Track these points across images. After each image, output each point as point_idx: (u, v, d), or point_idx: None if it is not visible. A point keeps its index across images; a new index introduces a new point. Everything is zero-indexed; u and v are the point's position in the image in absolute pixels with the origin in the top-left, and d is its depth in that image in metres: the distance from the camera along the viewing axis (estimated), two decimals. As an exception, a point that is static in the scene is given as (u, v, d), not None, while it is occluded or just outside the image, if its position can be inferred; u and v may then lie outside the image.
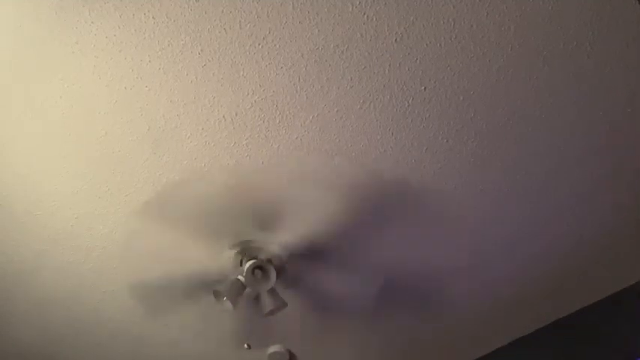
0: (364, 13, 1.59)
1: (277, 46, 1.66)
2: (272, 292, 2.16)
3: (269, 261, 2.17)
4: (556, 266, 2.51)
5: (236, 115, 1.83)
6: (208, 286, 2.28)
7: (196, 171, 1.98)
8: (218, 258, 2.28)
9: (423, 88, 1.79)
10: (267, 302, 2.16)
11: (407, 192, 2.11)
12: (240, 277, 2.08)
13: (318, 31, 1.63)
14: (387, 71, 1.73)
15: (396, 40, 1.66)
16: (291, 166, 1.98)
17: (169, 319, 2.65)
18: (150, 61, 1.67)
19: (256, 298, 2.20)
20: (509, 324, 2.88)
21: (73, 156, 1.93)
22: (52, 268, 2.33)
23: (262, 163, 1.97)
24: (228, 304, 2.05)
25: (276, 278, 2.14)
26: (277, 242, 2.23)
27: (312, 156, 1.95)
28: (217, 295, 2.04)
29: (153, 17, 1.57)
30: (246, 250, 2.22)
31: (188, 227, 2.16)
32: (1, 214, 2.09)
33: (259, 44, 1.65)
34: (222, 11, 1.57)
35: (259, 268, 2.11)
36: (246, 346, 2.85)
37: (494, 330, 2.91)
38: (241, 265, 2.19)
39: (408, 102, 1.83)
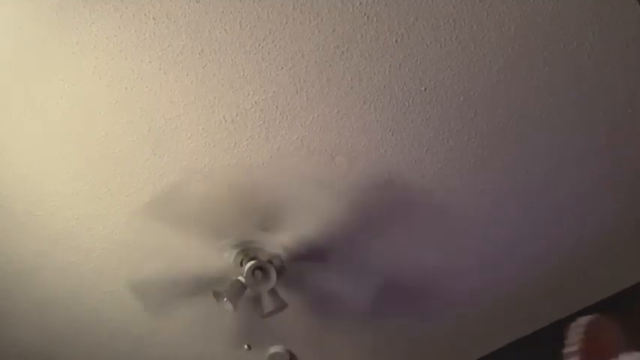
0: (364, 14, 1.59)
1: (277, 46, 1.66)
2: (272, 292, 2.16)
3: (269, 262, 2.17)
4: (556, 266, 2.51)
5: (236, 115, 1.83)
6: (208, 286, 2.28)
7: (197, 171, 1.98)
8: (219, 258, 2.28)
9: (423, 88, 1.79)
10: (268, 303, 2.16)
11: (407, 193, 2.11)
12: (240, 278, 2.08)
13: (319, 31, 1.63)
14: (387, 72, 1.74)
15: (396, 40, 1.66)
16: (291, 166, 1.98)
17: (169, 319, 2.65)
18: (150, 62, 1.67)
19: (256, 299, 2.20)
20: (509, 324, 2.88)
21: (73, 156, 1.93)
22: (52, 269, 2.33)
23: (262, 163, 1.97)
24: (228, 305, 2.05)
25: (277, 279, 2.14)
26: (278, 243, 2.23)
27: (312, 156, 1.95)
28: (218, 295, 2.05)
29: (153, 18, 1.57)
30: (246, 251, 2.22)
31: (189, 227, 2.15)
32: (1, 214, 2.09)
33: (260, 45, 1.65)
34: (223, 12, 1.57)
35: (260, 268, 2.11)
36: (246, 346, 2.85)
37: (494, 330, 2.91)
38: (242, 265, 2.19)
39: (409, 102, 1.83)
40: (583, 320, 1.29)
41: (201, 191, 2.04)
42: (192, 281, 2.34)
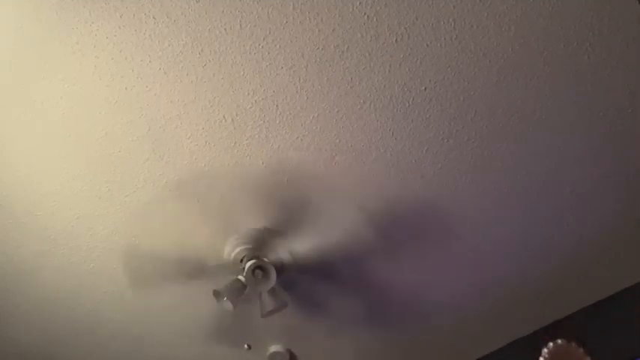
0: (364, 14, 1.59)
1: (278, 46, 1.66)
2: (272, 292, 2.15)
3: (270, 261, 2.17)
4: (556, 266, 2.51)
5: (236, 115, 1.83)
6: (201, 273, 2.27)
7: (197, 171, 1.98)
8: (220, 250, 2.27)
9: (423, 88, 1.79)
10: (268, 302, 2.16)
11: (407, 193, 2.11)
12: (240, 277, 2.08)
13: (319, 31, 1.63)
14: (387, 71, 1.74)
15: (396, 40, 1.66)
16: (291, 166, 1.98)
17: (170, 319, 2.65)
18: (150, 62, 1.67)
19: (257, 299, 2.19)
20: (509, 324, 2.88)
21: (73, 156, 1.93)
22: (53, 269, 2.33)
23: (262, 163, 1.97)
24: (228, 304, 2.05)
25: (277, 278, 2.13)
26: (285, 246, 2.23)
27: (312, 156, 1.95)
28: (218, 295, 2.04)
29: (153, 17, 1.57)
30: (251, 249, 2.21)
31: (204, 212, 2.14)
32: (1, 214, 2.09)
33: (259, 44, 1.65)
34: (223, 12, 1.57)
35: (260, 268, 2.11)
36: (246, 346, 2.85)
37: (494, 330, 2.91)
38: (242, 262, 2.18)
39: (409, 102, 1.83)
40: (550, 345, 1.37)
41: (228, 182, 2.03)
42: (185, 263, 2.30)
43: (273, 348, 2.88)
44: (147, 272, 2.41)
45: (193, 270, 2.32)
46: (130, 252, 2.32)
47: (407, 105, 1.83)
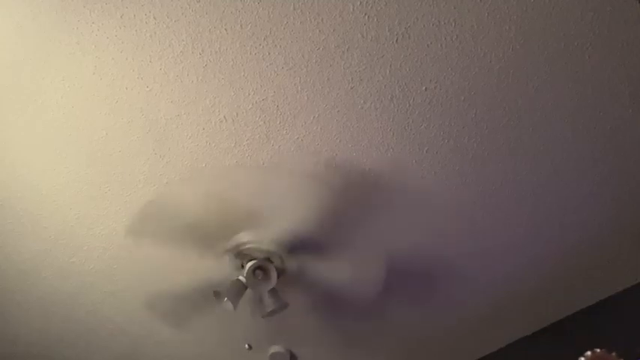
0: (365, 14, 1.59)
1: (278, 46, 1.66)
2: (273, 292, 2.15)
3: (269, 261, 2.17)
4: (556, 267, 2.51)
5: (237, 115, 1.83)
6: (217, 296, 2.28)
7: (197, 171, 1.98)
8: (218, 265, 2.28)
9: (423, 88, 1.79)
10: (268, 303, 2.16)
11: (407, 193, 2.11)
12: (241, 278, 2.08)
13: (319, 31, 1.63)
14: (387, 72, 1.74)
15: (396, 40, 1.66)
16: (291, 166, 1.98)
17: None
18: (151, 62, 1.67)
19: (257, 299, 2.19)
20: (509, 324, 2.88)
21: (73, 156, 1.93)
22: (53, 269, 2.33)
23: (263, 163, 1.97)
24: (228, 305, 2.05)
25: (277, 278, 2.13)
26: (269, 239, 2.22)
27: (313, 156, 1.95)
28: (218, 295, 2.04)
29: (154, 17, 1.57)
30: (242, 253, 2.22)
31: (179, 241, 2.16)
32: (1, 214, 2.09)
33: (260, 45, 1.65)
34: (223, 12, 1.57)
35: (260, 268, 2.11)
36: (247, 346, 2.85)
37: (494, 330, 2.91)
38: (242, 267, 2.18)
39: (409, 102, 1.83)
40: (588, 354, 1.36)
41: (179, 204, 2.05)
42: (201, 292, 2.34)
43: (274, 348, 2.89)
44: (173, 310, 2.50)
45: (207, 294, 2.34)
46: (151, 301, 2.40)
47: (407, 105, 1.83)
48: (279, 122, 1.86)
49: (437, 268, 2.48)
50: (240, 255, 2.22)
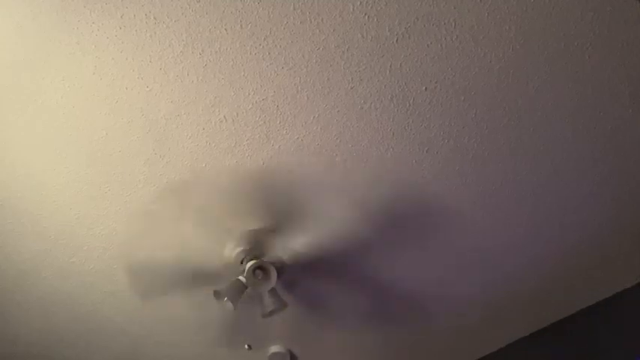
0: (365, 14, 1.59)
1: (278, 46, 1.66)
2: (273, 292, 2.15)
3: (271, 262, 2.17)
4: (556, 267, 2.51)
5: (237, 115, 1.83)
6: (205, 279, 2.27)
7: (197, 171, 1.98)
8: (220, 253, 2.27)
9: (424, 88, 1.79)
10: (268, 303, 2.16)
11: (407, 193, 2.11)
12: (241, 278, 2.08)
13: (319, 31, 1.63)
14: (387, 71, 1.74)
15: (397, 40, 1.66)
16: (292, 166, 1.98)
17: (169, 319, 2.65)
18: (151, 62, 1.67)
19: (257, 299, 2.19)
20: (509, 324, 2.88)
21: (73, 156, 1.93)
22: (53, 269, 2.33)
23: (263, 163, 1.97)
24: (228, 305, 2.05)
25: (277, 279, 2.13)
26: (285, 246, 2.23)
27: (313, 156, 1.96)
28: (218, 295, 2.04)
29: (154, 17, 1.57)
30: (249, 250, 2.22)
31: (197, 219, 2.14)
32: (1, 214, 2.09)
33: (260, 45, 1.65)
34: (224, 12, 1.57)
35: (260, 268, 2.11)
36: (246, 346, 2.85)
37: (494, 330, 2.92)
38: (242, 264, 2.18)
39: (409, 102, 1.83)
40: None
41: (216, 185, 2.03)
42: (189, 272, 2.32)
43: (274, 348, 2.89)
44: (152, 284, 2.43)
45: (196, 277, 2.33)
46: (133, 265, 2.33)
47: (407, 105, 1.83)
48: (279, 122, 1.86)
49: (435, 267, 2.48)
50: (247, 251, 2.22)
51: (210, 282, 2.27)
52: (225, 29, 1.61)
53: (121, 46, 1.63)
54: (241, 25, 1.60)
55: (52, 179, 1.99)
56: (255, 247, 2.22)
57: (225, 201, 2.09)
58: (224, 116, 1.83)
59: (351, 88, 1.77)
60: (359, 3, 1.57)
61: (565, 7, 1.61)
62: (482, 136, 1.94)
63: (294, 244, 2.26)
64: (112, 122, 1.83)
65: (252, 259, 2.15)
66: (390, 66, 1.72)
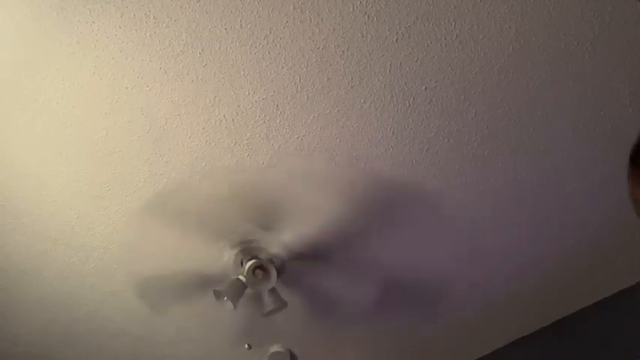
0: (365, 13, 1.59)
1: (278, 45, 1.66)
2: (273, 291, 2.16)
3: (270, 261, 2.17)
4: (556, 267, 2.51)
5: (237, 114, 1.83)
6: (209, 285, 2.28)
7: (197, 171, 1.98)
8: (219, 257, 2.28)
9: (423, 87, 1.79)
10: (268, 302, 2.16)
11: (407, 193, 2.11)
12: (241, 277, 2.08)
13: (319, 30, 1.63)
14: (387, 71, 1.74)
15: (396, 39, 1.66)
16: (292, 165, 1.98)
17: (170, 318, 2.65)
18: (151, 61, 1.67)
19: (257, 298, 2.20)
20: (509, 324, 2.88)
21: (73, 156, 1.93)
22: (53, 268, 2.33)
23: (263, 162, 1.97)
24: (228, 304, 2.05)
25: (277, 278, 2.14)
26: (279, 242, 2.23)
27: (313, 155, 1.96)
28: (218, 295, 2.05)
29: (154, 17, 1.57)
30: (247, 250, 2.22)
31: (189, 226, 2.15)
32: (2, 214, 2.09)
33: (260, 44, 1.65)
34: (223, 11, 1.57)
35: (260, 267, 2.11)
36: (246, 346, 2.85)
37: (494, 330, 2.91)
38: (242, 265, 2.19)
39: (409, 102, 1.83)
40: None
41: (201, 191, 2.04)
42: (193, 280, 2.34)
43: (274, 348, 2.89)
44: (157, 295, 2.47)
45: (199, 283, 2.34)
46: (137, 279, 2.35)
47: (407, 104, 1.83)
48: (279, 121, 1.86)
49: (435, 267, 2.48)
50: (244, 252, 2.22)
51: (213, 286, 2.27)
52: (225, 29, 1.61)
53: (121, 45, 1.63)
54: (241, 25, 1.60)
55: (52, 179, 1.99)
56: (254, 247, 2.22)
57: (221, 203, 2.10)
58: (224, 115, 1.83)
59: (351, 87, 1.77)
60: (359, 2, 1.57)
61: (565, 7, 1.61)
62: (482, 136, 1.94)
63: (294, 244, 2.26)
64: (112, 122, 1.83)
65: (251, 259, 2.15)
66: (390, 65, 1.72)
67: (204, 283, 2.33)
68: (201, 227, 2.17)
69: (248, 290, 2.11)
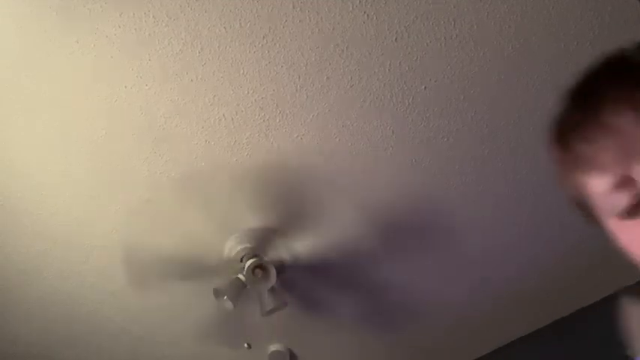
0: (364, 12, 1.59)
1: (277, 44, 1.66)
2: (272, 291, 2.15)
3: (270, 261, 2.17)
4: (556, 267, 2.51)
5: (236, 113, 1.83)
6: (201, 272, 2.26)
7: (197, 170, 1.98)
8: (220, 247, 2.26)
9: (423, 87, 1.79)
10: (268, 301, 2.16)
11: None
12: (240, 276, 2.08)
13: (319, 30, 1.63)
14: (387, 70, 1.73)
15: (396, 39, 1.66)
16: (291, 165, 1.98)
17: (170, 318, 2.65)
18: (150, 60, 1.67)
19: (256, 297, 2.19)
20: (509, 324, 2.87)
21: (73, 155, 1.92)
22: (53, 268, 2.33)
23: (262, 162, 1.97)
24: (228, 303, 2.05)
25: (277, 277, 2.13)
26: (285, 246, 2.23)
27: (312, 155, 1.96)
28: (217, 293, 2.04)
29: (153, 16, 1.57)
30: (250, 248, 2.21)
31: (207, 210, 2.13)
32: (1, 214, 2.09)
33: (259, 43, 1.65)
34: (223, 10, 1.57)
35: (260, 267, 2.11)
36: (246, 345, 2.85)
37: (494, 330, 2.91)
38: (241, 262, 2.18)
39: (409, 101, 1.83)
40: None
41: (229, 181, 2.02)
42: (186, 263, 2.30)
43: (273, 347, 2.88)
44: (147, 273, 2.40)
45: (193, 270, 2.32)
46: (130, 253, 2.32)
47: (407, 104, 1.83)
48: (279, 120, 1.85)
49: (437, 268, 2.48)
50: (247, 249, 2.21)
51: (206, 276, 2.26)
52: (225, 28, 1.61)
53: (120, 44, 1.63)
54: (240, 24, 1.60)
55: (52, 179, 1.99)
56: (256, 245, 2.21)
57: (231, 196, 2.09)
58: (223, 115, 1.83)
59: (351, 86, 1.77)
60: (358, 2, 1.57)
61: (565, 7, 1.61)
62: (482, 136, 1.94)
63: (293, 244, 2.26)
64: (111, 121, 1.83)
65: (251, 258, 2.15)
66: (390, 65, 1.72)
67: (196, 269, 2.27)
68: (212, 215, 2.15)
69: (247, 289, 2.11)
